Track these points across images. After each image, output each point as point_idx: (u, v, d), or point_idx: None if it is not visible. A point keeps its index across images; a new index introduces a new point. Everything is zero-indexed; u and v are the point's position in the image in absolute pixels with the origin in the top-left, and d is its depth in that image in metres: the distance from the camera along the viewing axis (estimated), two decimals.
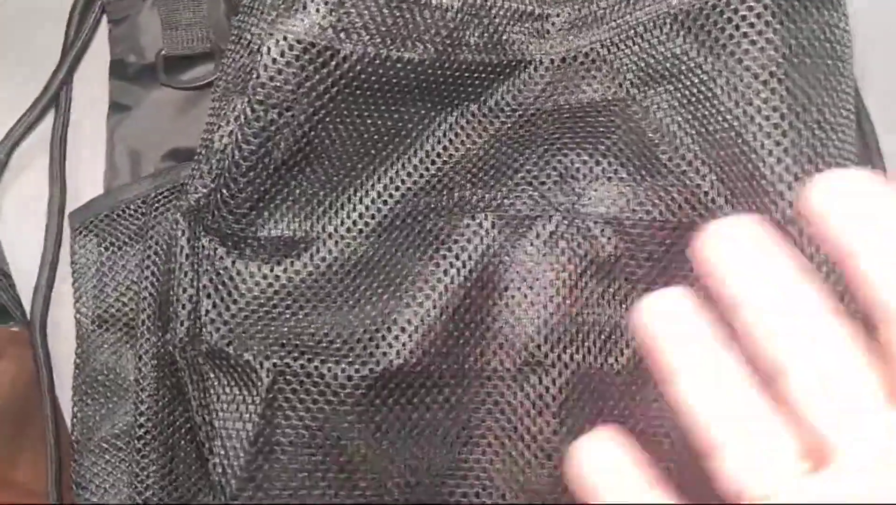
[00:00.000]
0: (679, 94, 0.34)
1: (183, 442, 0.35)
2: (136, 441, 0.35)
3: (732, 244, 0.18)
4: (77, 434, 0.36)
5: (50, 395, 0.36)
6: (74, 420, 0.36)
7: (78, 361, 0.36)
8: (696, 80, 0.33)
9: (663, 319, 0.19)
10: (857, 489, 0.16)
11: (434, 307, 0.32)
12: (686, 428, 0.18)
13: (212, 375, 0.32)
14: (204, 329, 0.33)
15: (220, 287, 0.33)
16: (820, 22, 0.32)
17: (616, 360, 0.33)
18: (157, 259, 0.36)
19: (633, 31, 0.35)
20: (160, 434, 0.35)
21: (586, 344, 0.33)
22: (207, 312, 0.33)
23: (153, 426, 0.35)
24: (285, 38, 0.31)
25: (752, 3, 0.31)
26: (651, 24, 0.34)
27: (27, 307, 0.37)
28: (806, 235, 0.30)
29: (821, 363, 0.17)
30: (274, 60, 0.31)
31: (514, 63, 0.36)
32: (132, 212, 0.38)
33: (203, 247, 0.33)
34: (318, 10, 0.31)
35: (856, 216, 0.17)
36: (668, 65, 0.34)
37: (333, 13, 0.31)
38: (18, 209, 0.40)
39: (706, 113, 0.33)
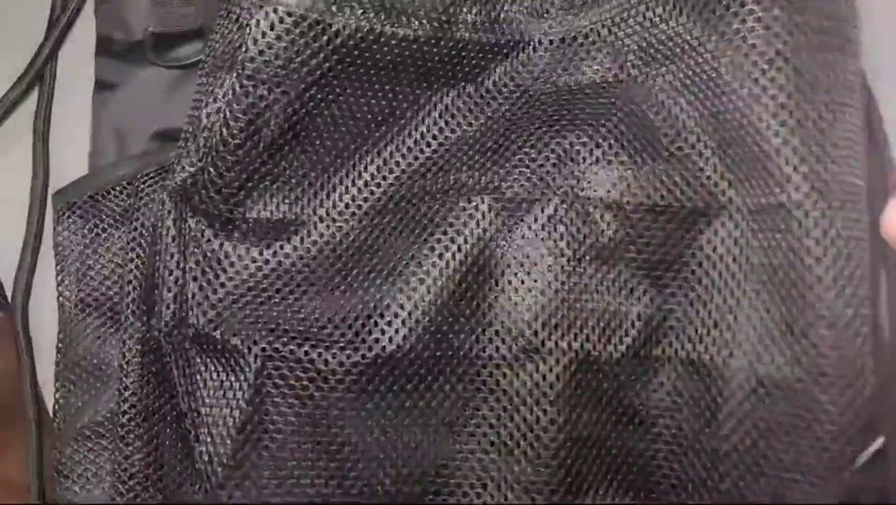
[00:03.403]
0: (682, 75, 0.33)
1: (168, 430, 0.34)
2: (119, 428, 0.34)
3: None
4: (59, 421, 0.35)
5: (32, 381, 0.35)
6: (56, 407, 0.35)
7: (60, 345, 0.36)
8: (700, 60, 0.32)
9: None
10: None
11: (428, 292, 0.32)
12: None
13: (198, 361, 0.32)
14: (190, 313, 0.32)
15: (207, 270, 0.32)
16: (827, 1, 0.31)
17: (616, 347, 0.33)
18: (142, 242, 0.35)
19: (634, 10, 0.34)
20: (144, 421, 0.34)
21: (585, 331, 0.32)
22: (194, 295, 0.32)
23: (137, 413, 0.34)
24: (275, 10, 0.30)
25: None
26: (653, 2, 0.33)
27: (8, 292, 0.36)
28: None
29: None
30: (264, 34, 0.30)
31: (512, 43, 0.36)
32: (117, 193, 0.37)
33: (190, 228, 0.32)
34: None
35: None
36: (670, 44, 0.33)
37: None
38: (0, 189, 0.39)
39: (709, 94, 0.32)
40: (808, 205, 0.29)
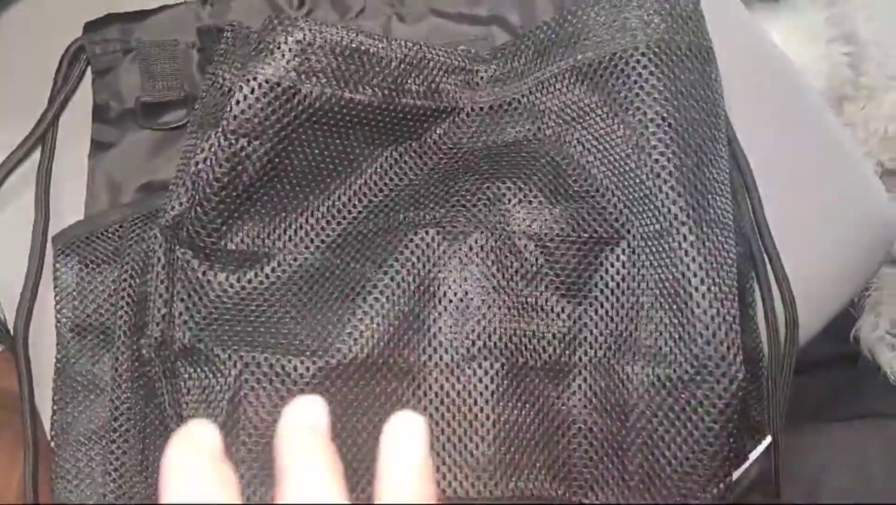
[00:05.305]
0: (585, 132, 0.40)
1: (154, 434, 0.38)
2: (112, 433, 0.38)
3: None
4: (56, 430, 0.39)
5: (30, 401, 0.39)
6: (54, 418, 0.39)
7: (58, 365, 0.40)
8: (598, 120, 0.39)
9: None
10: None
11: (382, 308, 0.37)
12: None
13: (182, 371, 0.36)
14: (177, 330, 0.37)
15: (192, 293, 0.37)
16: (696, 72, 0.39)
17: (539, 355, 0.38)
18: (133, 273, 0.40)
19: (547, 83, 0.41)
20: (134, 427, 0.38)
21: (514, 340, 0.38)
22: (180, 314, 0.37)
23: (127, 419, 0.38)
24: (255, 78, 0.35)
25: (639, 58, 0.38)
26: (560, 76, 0.41)
27: (10, 320, 0.41)
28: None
29: None
30: (245, 97, 0.35)
31: (448, 109, 0.42)
32: (109, 235, 0.42)
33: (178, 258, 0.38)
34: (283, 56, 0.36)
35: None
36: (574, 108, 0.40)
37: (297, 58, 0.36)
38: (4, 235, 0.43)
39: (607, 147, 0.39)
40: (685, 230, 0.36)
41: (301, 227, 0.40)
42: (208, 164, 0.37)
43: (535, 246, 0.39)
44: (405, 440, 0.23)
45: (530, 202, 0.39)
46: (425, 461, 0.23)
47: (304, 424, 0.23)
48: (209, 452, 0.21)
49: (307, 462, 0.22)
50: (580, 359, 0.39)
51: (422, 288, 0.38)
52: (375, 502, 0.22)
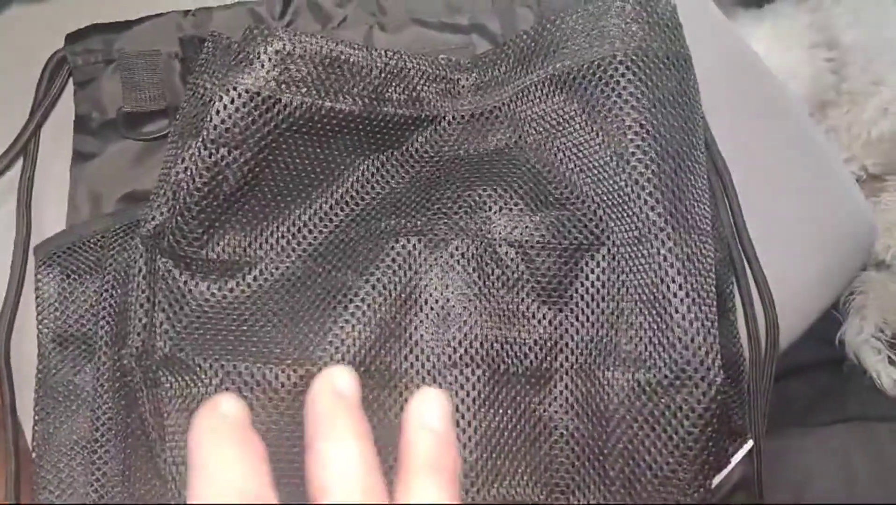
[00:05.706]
0: (565, 140, 0.40)
1: (135, 445, 0.38)
2: (93, 443, 0.38)
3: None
4: (38, 441, 0.39)
5: (11, 410, 0.39)
6: (35, 429, 0.39)
7: (39, 375, 0.39)
8: (578, 127, 0.40)
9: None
10: None
11: (364, 316, 0.37)
12: None
13: (163, 380, 0.36)
14: (158, 339, 0.37)
15: (173, 302, 0.37)
16: (674, 79, 0.39)
17: (521, 362, 0.38)
18: (115, 284, 0.40)
19: (527, 91, 0.42)
20: (115, 436, 0.38)
21: (495, 347, 0.38)
22: (161, 323, 0.37)
23: (108, 429, 0.38)
24: (235, 88, 0.36)
25: (617, 66, 0.38)
26: (540, 84, 0.41)
27: None
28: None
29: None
30: (225, 106, 0.36)
31: (429, 117, 0.42)
32: (91, 245, 0.42)
33: (158, 267, 0.38)
34: (263, 66, 0.36)
35: None
36: (554, 116, 0.41)
37: (277, 68, 0.37)
38: None
39: (586, 154, 0.39)
40: (663, 236, 0.37)
41: (283, 236, 0.40)
42: (189, 173, 0.37)
43: (516, 253, 0.39)
44: (427, 414, 0.23)
45: (511, 209, 0.40)
46: (449, 434, 0.23)
47: (332, 392, 0.23)
48: (236, 418, 0.22)
49: (334, 428, 0.22)
50: (561, 365, 0.39)
51: (403, 295, 0.38)
52: (399, 475, 0.22)
